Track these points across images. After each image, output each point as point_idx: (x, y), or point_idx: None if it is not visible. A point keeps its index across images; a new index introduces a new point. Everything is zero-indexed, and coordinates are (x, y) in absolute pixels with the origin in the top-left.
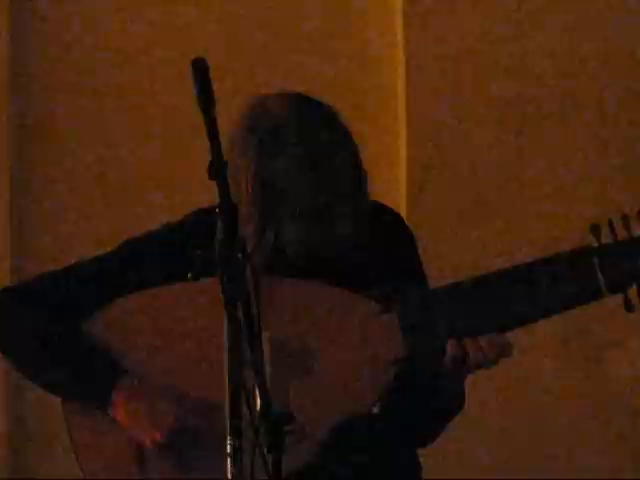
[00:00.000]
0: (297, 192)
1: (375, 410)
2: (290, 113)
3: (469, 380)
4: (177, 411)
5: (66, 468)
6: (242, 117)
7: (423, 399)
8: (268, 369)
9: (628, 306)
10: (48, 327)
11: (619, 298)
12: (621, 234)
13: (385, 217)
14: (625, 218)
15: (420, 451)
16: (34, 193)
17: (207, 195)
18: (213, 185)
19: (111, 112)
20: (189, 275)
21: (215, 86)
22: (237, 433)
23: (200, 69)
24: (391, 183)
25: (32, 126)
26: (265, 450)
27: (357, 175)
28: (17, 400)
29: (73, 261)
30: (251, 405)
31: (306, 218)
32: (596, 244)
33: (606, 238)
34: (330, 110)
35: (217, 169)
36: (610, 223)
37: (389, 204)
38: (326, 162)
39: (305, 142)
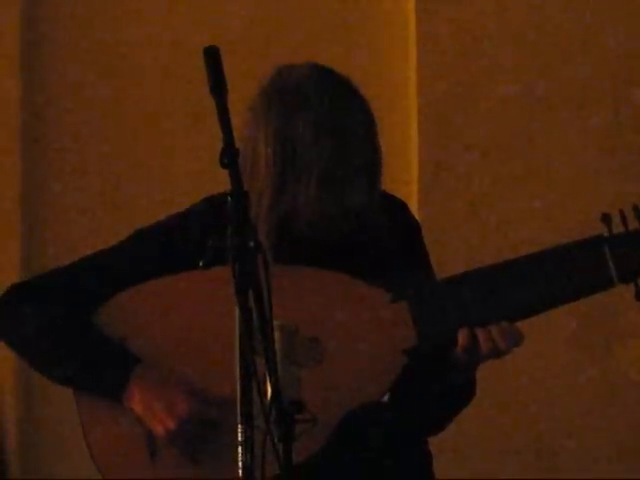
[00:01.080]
0: (315, 157)
1: (385, 399)
2: (313, 79)
3: (479, 369)
4: (192, 401)
5: (75, 468)
6: (266, 83)
7: (433, 388)
8: (279, 357)
9: (639, 295)
10: (59, 321)
11: (630, 288)
12: (632, 224)
13: (391, 206)
14: (636, 208)
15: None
16: (45, 189)
17: (211, 190)
18: (214, 181)
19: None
20: (200, 263)
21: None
22: (248, 421)
23: (212, 56)
24: (402, 177)
25: (43, 120)
26: (276, 439)
27: (374, 150)
28: (26, 398)
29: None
30: (262, 393)
31: (322, 187)
32: (607, 233)
33: (617, 229)
34: (352, 83)
35: (229, 156)
36: (621, 213)
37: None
38: (346, 130)
39: (327, 108)
